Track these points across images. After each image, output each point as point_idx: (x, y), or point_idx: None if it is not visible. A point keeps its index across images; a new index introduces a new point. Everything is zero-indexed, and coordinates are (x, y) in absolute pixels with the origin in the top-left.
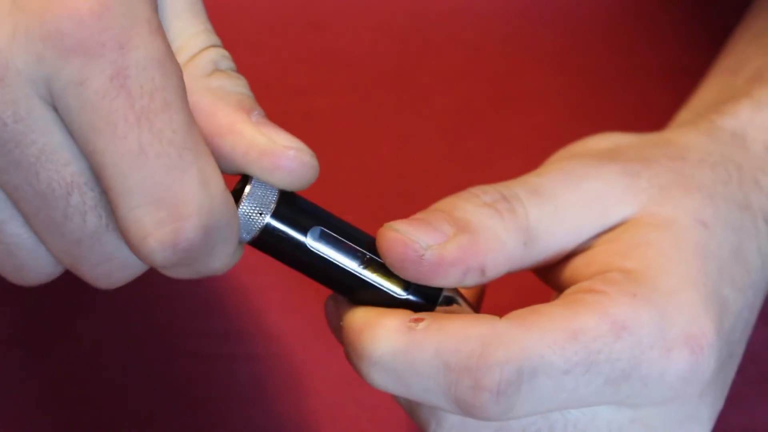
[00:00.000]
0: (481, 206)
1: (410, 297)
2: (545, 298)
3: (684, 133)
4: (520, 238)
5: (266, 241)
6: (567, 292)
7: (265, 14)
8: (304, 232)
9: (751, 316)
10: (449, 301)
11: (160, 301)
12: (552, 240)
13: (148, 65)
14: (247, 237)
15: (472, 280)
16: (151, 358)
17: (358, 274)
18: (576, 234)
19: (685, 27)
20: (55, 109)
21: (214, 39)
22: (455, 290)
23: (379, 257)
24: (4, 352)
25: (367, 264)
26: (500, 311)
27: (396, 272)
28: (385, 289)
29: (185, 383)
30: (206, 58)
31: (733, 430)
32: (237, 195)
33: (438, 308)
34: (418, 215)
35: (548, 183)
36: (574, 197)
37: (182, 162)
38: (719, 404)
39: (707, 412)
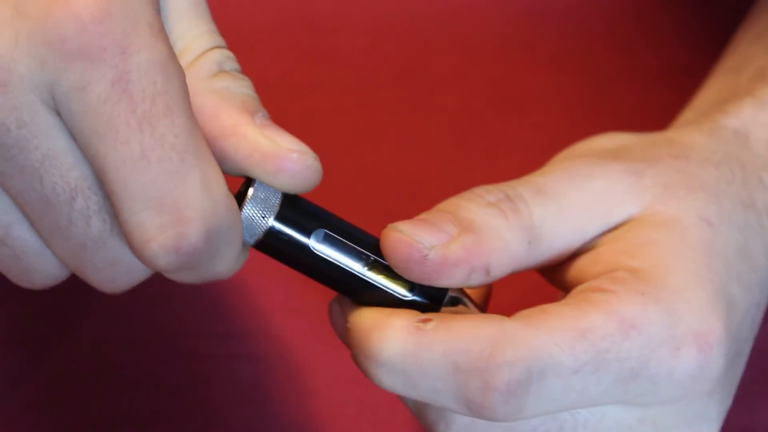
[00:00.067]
0: (485, 206)
1: (415, 298)
2: (550, 298)
3: (687, 133)
4: (524, 238)
5: (270, 244)
6: (574, 291)
7: (265, 14)
8: (308, 235)
9: (757, 315)
10: (455, 302)
11: (161, 301)
12: (556, 239)
13: (150, 69)
14: (251, 240)
15: (477, 279)
16: (151, 358)
17: (362, 276)
18: (580, 233)
19: (685, 27)
20: (59, 114)
21: (219, 40)
22: (461, 291)
23: (383, 258)
24: (4, 352)
25: (372, 265)
26: (505, 311)
27: (400, 273)
28: (389, 291)
29: (185, 383)
30: (210, 59)
31: (733, 430)
32: (240, 198)
33: (443, 309)
34: (422, 216)
35: (552, 182)
36: (578, 196)
37: (184, 166)
38: (727, 402)
39: (716, 410)
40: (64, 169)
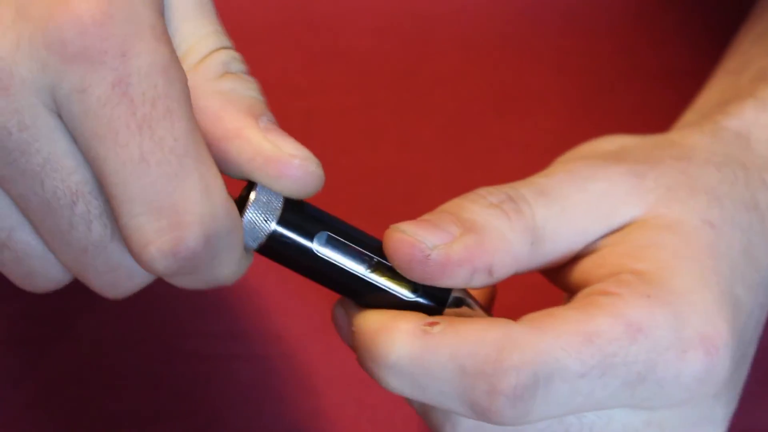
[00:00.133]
0: (488, 207)
1: (419, 299)
2: (554, 299)
3: (688, 135)
4: (527, 238)
5: (273, 248)
6: (580, 294)
7: (265, 14)
8: (311, 238)
9: (761, 316)
10: (459, 303)
11: (161, 301)
12: (559, 240)
13: (151, 72)
14: (254, 244)
15: (480, 280)
16: (151, 358)
17: (366, 278)
18: (583, 234)
19: (685, 27)
20: (61, 117)
21: (225, 40)
22: (465, 292)
23: (386, 260)
24: (4, 352)
25: (375, 267)
26: (509, 312)
27: (403, 273)
28: (393, 292)
29: (185, 383)
30: (216, 60)
31: (733, 429)
32: (242, 202)
33: (447, 310)
34: (425, 216)
35: (555, 184)
36: (580, 198)
37: (183, 170)
38: (733, 405)
39: (722, 412)
40: (65, 173)
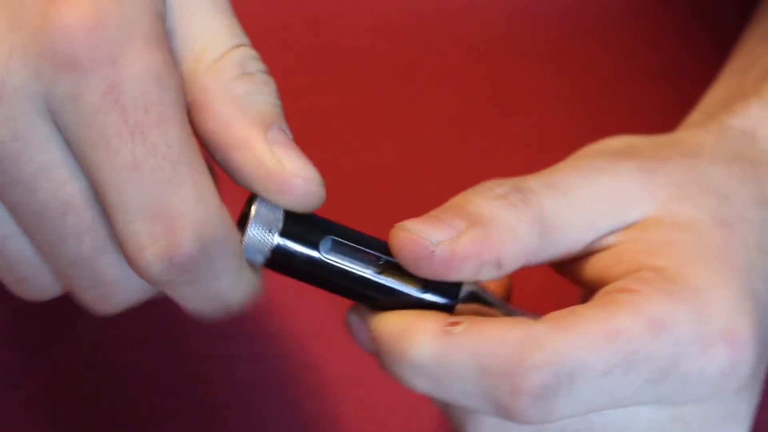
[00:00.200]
0: (494, 198)
1: (430, 296)
2: (571, 294)
3: (694, 134)
4: (534, 229)
5: (280, 261)
6: (600, 292)
7: (265, 14)
8: (316, 245)
9: None
10: (473, 297)
11: (161, 302)
12: (568, 231)
13: (144, 79)
14: (261, 258)
15: (488, 273)
16: (151, 358)
17: (376, 280)
18: (592, 226)
19: (685, 27)
20: (57, 125)
21: (240, 37)
22: (477, 285)
23: (393, 259)
24: (4, 352)
25: (383, 268)
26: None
27: (411, 271)
28: (404, 291)
29: (185, 383)
30: (232, 60)
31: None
32: (244, 216)
33: (462, 306)
34: (431, 213)
35: (563, 177)
36: (589, 191)
37: (177, 176)
38: (756, 400)
39: (746, 407)
40: (58, 184)
